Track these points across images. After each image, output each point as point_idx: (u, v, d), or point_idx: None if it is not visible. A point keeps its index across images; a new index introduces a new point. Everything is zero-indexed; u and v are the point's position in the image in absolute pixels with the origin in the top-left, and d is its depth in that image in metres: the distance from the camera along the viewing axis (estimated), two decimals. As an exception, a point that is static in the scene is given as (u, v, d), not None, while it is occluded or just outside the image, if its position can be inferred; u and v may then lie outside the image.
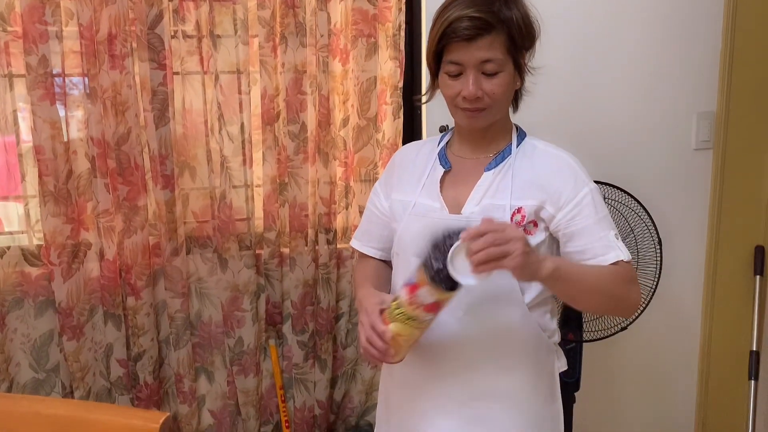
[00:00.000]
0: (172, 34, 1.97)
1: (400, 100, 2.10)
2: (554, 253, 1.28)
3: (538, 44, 1.26)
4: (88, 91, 1.92)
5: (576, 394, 2.01)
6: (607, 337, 2.03)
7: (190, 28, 1.97)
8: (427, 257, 1.09)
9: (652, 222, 2.03)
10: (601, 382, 2.32)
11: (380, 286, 1.34)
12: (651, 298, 2.04)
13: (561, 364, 1.37)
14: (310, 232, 2.11)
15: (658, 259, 2.03)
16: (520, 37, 1.20)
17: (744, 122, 2.25)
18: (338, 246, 2.16)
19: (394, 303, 1.15)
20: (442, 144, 1.36)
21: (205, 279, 2.10)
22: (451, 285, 1.09)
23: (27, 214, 1.98)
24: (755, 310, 2.28)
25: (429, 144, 1.39)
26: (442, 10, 1.20)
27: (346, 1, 2.04)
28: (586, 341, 2.04)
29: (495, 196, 1.24)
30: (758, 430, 2.25)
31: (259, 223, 2.12)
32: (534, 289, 1.26)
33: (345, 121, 2.11)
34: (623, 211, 2.04)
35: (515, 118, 1.34)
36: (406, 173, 1.36)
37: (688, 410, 2.44)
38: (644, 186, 2.12)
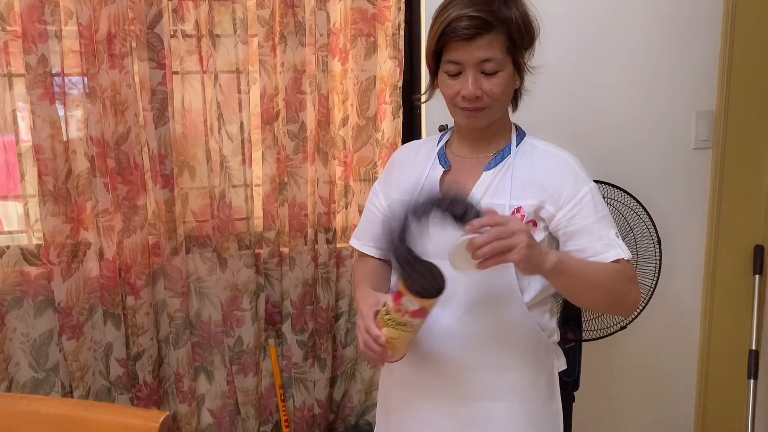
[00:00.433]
0: (172, 33, 1.97)
1: (400, 99, 2.10)
2: (554, 252, 1.28)
3: (537, 43, 1.26)
4: (87, 90, 1.92)
5: (575, 393, 2.01)
6: (606, 336, 2.03)
7: (189, 27, 1.97)
8: (403, 269, 1.07)
9: (652, 221, 2.03)
10: (601, 382, 2.32)
11: (379, 285, 1.34)
12: (650, 298, 2.04)
13: (560, 364, 1.37)
14: (310, 231, 2.11)
15: (658, 258, 2.03)
16: (520, 37, 1.20)
17: (743, 121, 2.25)
18: (338, 245, 2.16)
19: (384, 309, 1.15)
20: (442, 143, 1.36)
21: (204, 278, 2.10)
22: (432, 292, 1.08)
23: (26, 214, 1.98)
24: (754, 310, 2.28)
25: (428, 143, 1.39)
26: (442, 10, 1.20)
27: (346, 1, 2.03)
28: (586, 340, 2.04)
29: (494, 195, 1.24)
30: (757, 429, 2.25)
31: (258, 222, 2.12)
32: (533, 289, 1.26)
33: (344, 121, 2.11)
34: (622, 210, 2.04)
35: (515, 118, 1.34)
36: (406, 173, 1.36)
37: (688, 409, 2.44)
38: (643, 185, 2.12)
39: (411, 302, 1.09)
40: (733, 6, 2.17)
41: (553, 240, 1.27)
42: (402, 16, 2.05)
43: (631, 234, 2.03)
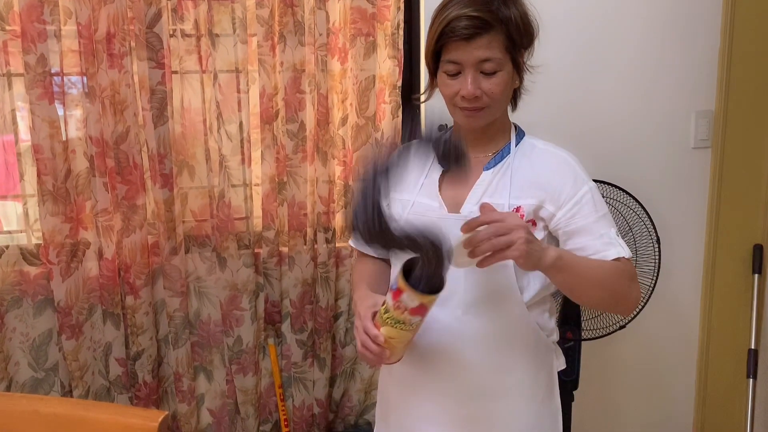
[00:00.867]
0: (171, 33, 1.97)
1: (399, 99, 2.10)
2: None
3: (536, 43, 1.26)
4: (86, 90, 1.92)
5: (575, 392, 2.01)
6: (605, 335, 2.03)
7: (188, 27, 1.97)
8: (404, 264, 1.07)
9: (651, 221, 2.03)
10: (600, 381, 2.32)
11: (378, 285, 1.33)
12: (650, 297, 2.04)
13: (559, 363, 1.37)
14: (309, 231, 2.11)
15: (657, 257, 2.03)
16: (519, 36, 1.20)
17: (742, 121, 2.25)
18: (337, 245, 2.16)
19: (383, 308, 1.14)
20: (441, 143, 1.36)
21: (203, 278, 2.10)
22: (432, 288, 1.08)
23: (26, 214, 1.98)
24: (754, 309, 2.28)
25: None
26: (441, 9, 1.20)
27: (345, 0, 2.03)
28: (585, 340, 2.04)
29: (494, 195, 1.24)
30: (757, 429, 2.26)
31: (257, 222, 2.12)
32: (532, 288, 1.26)
33: (344, 120, 2.11)
34: (622, 209, 2.04)
35: (514, 117, 1.34)
36: (405, 172, 1.36)
37: (687, 408, 2.44)
38: (643, 185, 2.12)
39: (411, 299, 1.09)
40: (732, 6, 2.18)
41: (553, 239, 1.27)
42: (401, 16, 2.05)
43: (631, 233, 2.04)
